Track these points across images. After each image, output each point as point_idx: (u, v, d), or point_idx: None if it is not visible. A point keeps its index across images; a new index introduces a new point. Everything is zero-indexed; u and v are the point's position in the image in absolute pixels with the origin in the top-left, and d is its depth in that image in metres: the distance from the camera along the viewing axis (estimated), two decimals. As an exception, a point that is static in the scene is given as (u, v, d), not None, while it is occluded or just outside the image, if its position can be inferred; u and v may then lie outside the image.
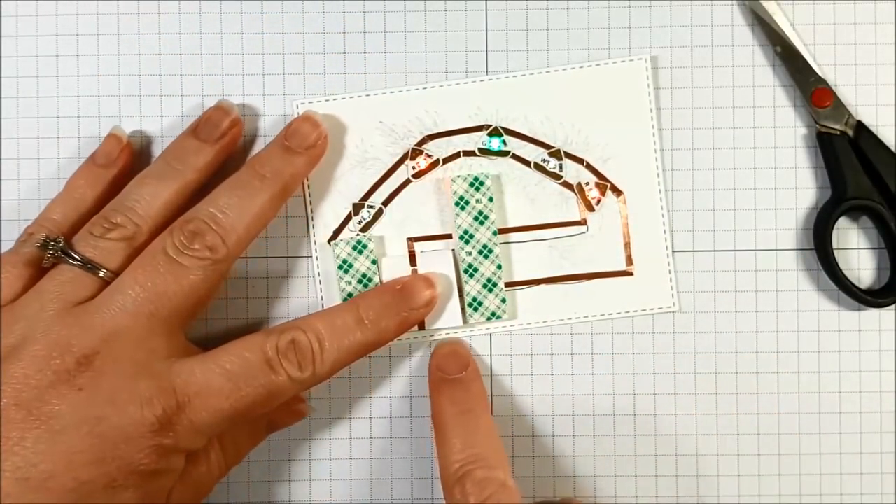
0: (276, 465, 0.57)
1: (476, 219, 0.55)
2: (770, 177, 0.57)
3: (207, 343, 0.51)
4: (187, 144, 0.54)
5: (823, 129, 0.56)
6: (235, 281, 0.57)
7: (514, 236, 0.56)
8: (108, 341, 0.47)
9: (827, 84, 0.56)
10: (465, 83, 0.57)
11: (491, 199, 0.55)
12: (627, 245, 0.56)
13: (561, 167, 0.56)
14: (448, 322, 0.56)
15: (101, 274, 0.49)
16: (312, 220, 0.56)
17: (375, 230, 0.56)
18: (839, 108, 0.56)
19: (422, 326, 0.56)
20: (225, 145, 0.54)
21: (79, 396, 0.45)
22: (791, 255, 0.57)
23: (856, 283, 0.56)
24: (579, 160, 0.56)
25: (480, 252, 0.55)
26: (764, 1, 0.56)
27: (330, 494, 0.57)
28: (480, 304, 0.55)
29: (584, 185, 0.56)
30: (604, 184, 0.56)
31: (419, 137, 0.57)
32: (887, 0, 0.57)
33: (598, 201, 0.56)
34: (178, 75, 0.57)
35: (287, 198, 0.54)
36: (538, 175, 0.56)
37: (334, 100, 0.57)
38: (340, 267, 0.55)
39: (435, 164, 0.57)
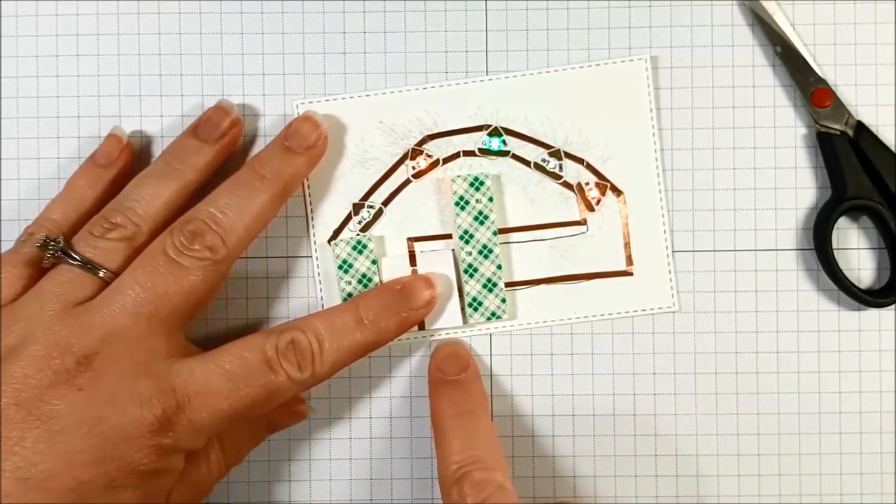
0: (276, 465, 0.57)
1: (476, 219, 0.55)
2: (770, 177, 0.57)
3: (207, 343, 0.51)
4: (187, 144, 0.54)
5: (823, 129, 0.56)
6: (235, 281, 0.57)
7: (514, 236, 0.56)
8: (107, 341, 0.47)
9: (827, 84, 0.56)
10: (465, 83, 0.57)
11: (491, 199, 0.55)
12: (627, 245, 0.56)
13: (561, 167, 0.56)
14: (448, 322, 0.56)
15: (101, 274, 0.49)
16: (312, 220, 0.56)
17: (375, 230, 0.56)
18: (839, 108, 0.56)
19: (422, 326, 0.56)
20: (225, 145, 0.54)
21: (78, 396, 0.45)
22: (791, 255, 0.57)
23: (856, 283, 0.56)
24: (579, 160, 0.56)
25: (480, 252, 0.55)
26: (764, 1, 0.56)
27: (330, 494, 0.57)
28: (480, 304, 0.55)
29: (584, 185, 0.56)
30: (604, 184, 0.56)
31: (419, 137, 0.57)
32: (887, 0, 0.57)
33: (598, 201, 0.56)
34: (178, 75, 0.57)
35: (287, 198, 0.54)
36: (538, 175, 0.56)
37: (334, 100, 0.57)
38: (340, 267, 0.55)
39: (435, 164, 0.57)
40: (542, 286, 0.57)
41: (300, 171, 0.54)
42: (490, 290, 0.55)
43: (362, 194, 0.57)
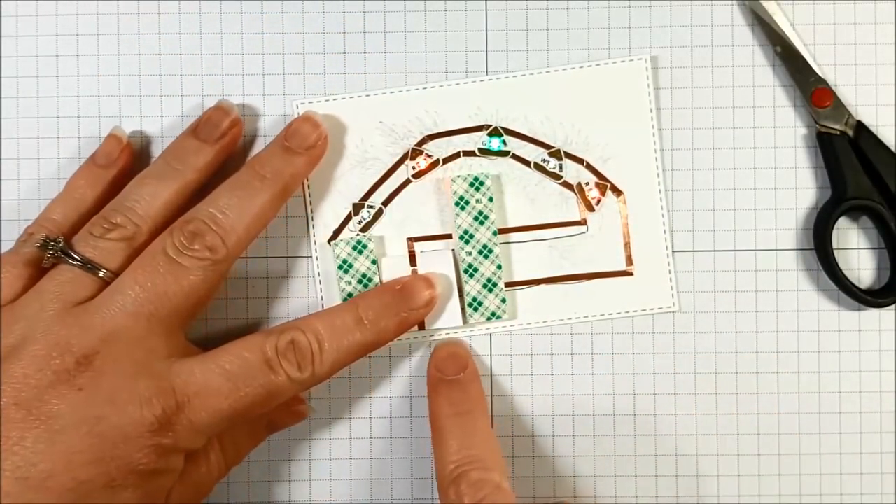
0: (276, 465, 0.57)
1: (476, 219, 0.55)
2: (770, 177, 0.57)
3: (207, 343, 0.51)
4: (187, 144, 0.54)
5: (823, 129, 0.56)
6: (235, 281, 0.57)
7: (514, 236, 0.56)
8: (107, 341, 0.47)
9: (827, 84, 0.56)
10: (465, 83, 0.57)
11: (491, 199, 0.55)
12: (627, 245, 0.56)
13: (561, 167, 0.56)
14: (448, 322, 0.56)
15: (101, 274, 0.49)
16: (312, 220, 0.56)
17: (375, 230, 0.56)
18: (839, 108, 0.56)
19: (422, 326, 0.56)
20: (225, 145, 0.54)
21: (78, 396, 0.45)
22: (791, 255, 0.57)
23: (856, 283, 0.56)
24: (579, 160, 0.56)
25: (480, 252, 0.55)
26: (764, 1, 0.56)
27: (330, 494, 0.57)
28: (480, 304, 0.55)
29: (584, 185, 0.56)
30: (604, 184, 0.56)
31: (419, 137, 0.57)
32: (887, 0, 0.57)
33: (598, 201, 0.56)
34: (178, 75, 0.57)
35: (287, 198, 0.54)
36: (538, 175, 0.56)
37: (334, 100, 0.57)
38: (340, 267, 0.55)
39: (435, 164, 0.57)
40: (542, 286, 0.57)
41: (300, 171, 0.54)
42: (490, 290, 0.55)
43: (362, 194, 0.57)
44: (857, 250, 0.57)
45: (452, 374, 0.54)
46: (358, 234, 0.56)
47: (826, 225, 0.55)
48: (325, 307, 0.56)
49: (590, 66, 0.57)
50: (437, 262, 0.56)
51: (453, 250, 0.56)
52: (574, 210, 0.56)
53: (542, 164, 0.56)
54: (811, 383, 0.56)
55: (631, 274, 0.56)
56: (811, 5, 0.56)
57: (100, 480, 0.45)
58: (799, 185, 0.57)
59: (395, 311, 0.52)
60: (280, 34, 0.57)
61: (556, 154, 0.56)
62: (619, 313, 0.56)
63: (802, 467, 0.56)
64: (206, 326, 0.56)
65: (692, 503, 0.56)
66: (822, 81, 0.56)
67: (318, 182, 0.56)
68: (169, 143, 0.55)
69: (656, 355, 0.56)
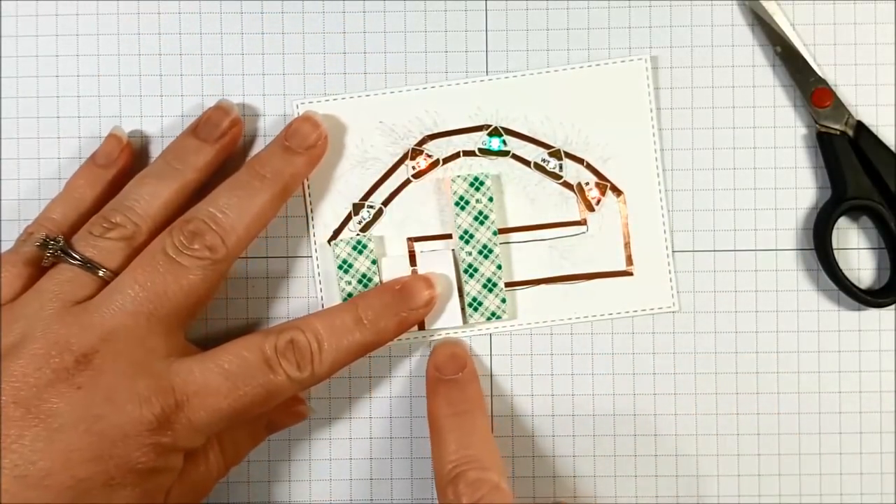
0: (276, 465, 0.57)
1: (476, 219, 0.55)
2: (770, 177, 0.57)
3: (207, 343, 0.51)
4: (187, 144, 0.54)
5: (823, 129, 0.56)
6: (235, 281, 0.57)
7: (514, 236, 0.56)
8: (107, 340, 0.47)
9: (827, 84, 0.56)
10: (465, 83, 0.57)
11: (491, 199, 0.55)
12: (627, 245, 0.56)
13: (561, 167, 0.56)
14: (448, 322, 0.56)
15: (101, 273, 0.49)
16: (312, 220, 0.56)
17: (375, 230, 0.56)
18: (839, 108, 0.56)
19: (422, 326, 0.56)
20: (225, 145, 0.54)
21: (77, 395, 0.46)
22: (791, 255, 0.57)
23: (856, 283, 0.55)
24: (579, 160, 0.56)
25: (480, 252, 0.55)
26: (764, 1, 0.56)
27: (330, 494, 0.57)
28: (480, 304, 0.55)
29: (584, 185, 0.56)
30: (604, 184, 0.56)
31: (419, 137, 0.57)
32: (887, 0, 0.57)
33: (598, 201, 0.56)
34: (178, 75, 0.57)
35: (287, 198, 0.54)
36: (538, 175, 0.56)
37: (334, 100, 0.57)
38: (340, 267, 0.55)
39: (435, 164, 0.57)
40: (542, 286, 0.56)
41: (300, 171, 0.54)
42: (490, 290, 0.55)
43: (362, 194, 0.57)
44: (857, 250, 0.57)
45: (451, 374, 0.54)
46: (358, 234, 0.56)
47: (826, 225, 0.55)
48: (325, 307, 0.56)
49: (590, 66, 0.57)
50: (437, 262, 0.56)
51: (453, 250, 0.56)
52: (574, 210, 0.56)
53: (542, 164, 0.56)
54: (811, 383, 0.56)
55: (631, 274, 0.56)
56: (811, 5, 0.56)
57: (98, 479, 0.45)
58: (799, 185, 0.57)
59: (395, 310, 0.52)
60: (280, 34, 0.57)
61: (556, 154, 0.56)
62: (619, 313, 0.56)
63: (802, 467, 0.56)
64: (206, 326, 0.56)
65: (692, 503, 0.56)
66: (822, 81, 0.56)
67: (318, 182, 0.56)
68: (169, 143, 0.55)
69: (656, 355, 0.56)
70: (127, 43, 0.57)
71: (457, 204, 0.55)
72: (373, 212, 0.56)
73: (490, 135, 0.56)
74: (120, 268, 0.49)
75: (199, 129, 0.54)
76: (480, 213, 0.55)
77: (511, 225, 0.56)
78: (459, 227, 0.55)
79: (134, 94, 0.57)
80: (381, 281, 0.56)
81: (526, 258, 0.56)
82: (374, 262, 0.55)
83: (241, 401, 0.48)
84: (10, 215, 0.57)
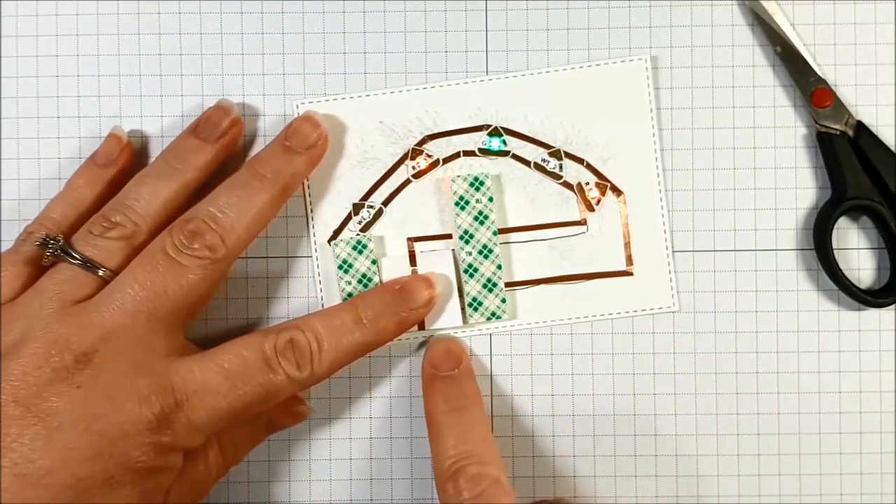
0: (276, 465, 0.57)
1: (476, 219, 0.55)
2: (770, 177, 0.57)
3: (207, 343, 0.51)
4: (187, 143, 0.54)
5: (823, 129, 0.56)
6: (235, 281, 0.57)
7: (514, 236, 0.56)
8: (106, 339, 0.47)
9: (827, 84, 0.56)
10: (465, 83, 0.57)
11: (491, 199, 0.55)
12: (627, 245, 0.56)
13: (561, 167, 0.56)
14: (448, 322, 0.56)
15: (101, 273, 0.49)
16: (312, 220, 0.56)
17: (375, 230, 0.56)
18: (839, 108, 0.56)
19: (422, 326, 0.56)
20: (225, 145, 0.54)
21: (77, 394, 0.46)
22: (791, 255, 0.57)
23: (856, 283, 0.55)
24: (579, 160, 0.56)
25: (480, 252, 0.55)
26: (764, 1, 0.56)
27: (330, 494, 0.57)
28: (480, 304, 0.55)
29: (584, 185, 0.56)
30: (604, 184, 0.56)
31: (419, 137, 0.57)
32: (887, 0, 0.57)
33: (598, 201, 0.56)
34: (178, 75, 0.57)
35: (287, 198, 0.54)
36: (538, 175, 0.56)
37: (334, 100, 0.57)
38: (340, 267, 0.55)
39: (435, 164, 0.57)
40: (542, 286, 0.56)
41: (300, 170, 0.54)
42: (490, 290, 0.55)
43: (362, 194, 0.57)
44: (857, 250, 0.57)
45: (447, 371, 0.54)
46: (358, 234, 0.56)
47: (826, 225, 0.55)
48: (324, 307, 0.56)
49: (590, 66, 0.57)
50: (437, 262, 0.56)
51: (453, 250, 0.56)
52: (574, 210, 0.56)
53: (542, 164, 0.56)
54: (811, 383, 0.56)
55: (631, 274, 0.56)
56: (811, 5, 0.56)
57: (98, 477, 0.45)
58: (799, 185, 0.57)
59: (395, 310, 0.52)
60: (280, 34, 0.57)
61: (556, 154, 0.56)
62: (619, 313, 0.56)
63: (802, 467, 0.56)
64: (206, 326, 0.56)
65: (692, 503, 0.56)
66: (822, 81, 0.56)
67: (318, 182, 0.56)
68: (169, 142, 0.55)
69: (656, 355, 0.56)
70: (127, 43, 0.57)
71: (457, 204, 0.55)
72: (373, 212, 0.56)
73: (490, 135, 0.56)
74: (120, 267, 0.49)
75: (199, 128, 0.54)
76: (480, 213, 0.55)
77: (511, 225, 0.56)
78: (459, 227, 0.55)
79: (134, 94, 0.57)
80: (381, 281, 0.56)
81: (526, 258, 0.56)
82: (374, 262, 0.55)
83: (240, 400, 0.48)
84: (10, 215, 0.57)
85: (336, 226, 0.56)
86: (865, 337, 0.56)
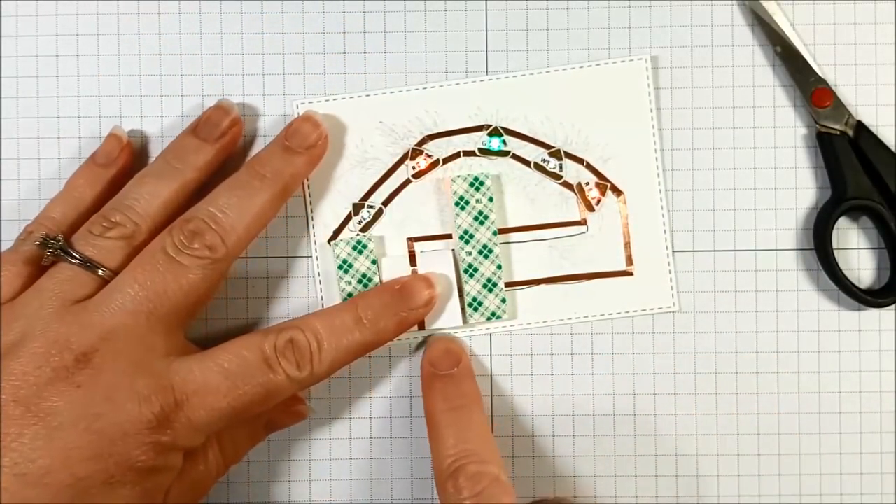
0: (276, 465, 0.57)
1: (476, 219, 0.55)
2: (770, 177, 0.57)
3: (207, 343, 0.51)
4: (187, 143, 0.54)
5: (823, 129, 0.56)
6: (235, 281, 0.57)
7: (514, 236, 0.56)
8: (106, 339, 0.47)
9: (827, 84, 0.56)
10: (465, 83, 0.57)
11: (491, 199, 0.55)
12: (627, 245, 0.56)
13: (561, 167, 0.56)
14: (448, 322, 0.56)
15: (101, 272, 0.49)
16: (312, 220, 0.56)
17: (375, 230, 0.56)
18: (839, 108, 0.56)
19: (422, 326, 0.56)
20: (225, 144, 0.54)
21: (77, 393, 0.46)
22: (791, 255, 0.57)
23: (856, 283, 0.55)
24: (579, 160, 0.56)
25: (480, 252, 0.55)
26: (764, 1, 0.56)
27: (330, 494, 0.57)
28: (480, 304, 0.55)
29: (584, 185, 0.56)
30: (604, 184, 0.56)
31: (419, 137, 0.57)
32: (887, 0, 0.57)
33: (598, 201, 0.56)
34: (178, 75, 0.57)
35: (287, 198, 0.54)
36: (538, 175, 0.56)
37: (334, 100, 0.57)
38: (340, 267, 0.55)
39: (435, 164, 0.57)
40: (542, 286, 0.56)
41: (300, 170, 0.54)
42: (490, 290, 0.55)
43: (362, 194, 0.57)
44: (857, 250, 0.57)
45: (446, 370, 0.54)
46: (358, 234, 0.56)
47: (826, 225, 0.55)
48: (324, 307, 0.56)
49: (590, 66, 0.57)
50: (437, 262, 0.56)
51: (453, 250, 0.56)
52: (574, 210, 0.56)
53: (542, 164, 0.56)
54: (811, 383, 0.56)
55: (631, 274, 0.56)
56: (811, 5, 0.56)
57: (98, 477, 0.45)
58: (799, 185, 0.57)
59: (395, 310, 0.52)
60: (280, 34, 0.57)
61: (556, 154, 0.56)
62: (619, 313, 0.56)
63: (802, 467, 0.56)
64: (206, 326, 0.56)
65: (692, 503, 0.56)
66: (822, 81, 0.56)
67: (318, 182, 0.56)
68: (169, 142, 0.55)
69: (656, 355, 0.56)
70: (127, 43, 0.57)
71: (457, 204, 0.55)
72: (373, 212, 0.56)
73: (490, 135, 0.56)
74: (120, 267, 0.49)
75: (200, 128, 0.54)
76: (480, 213, 0.55)
77: (511, 225, 0.56)
78: (459, 227, 0.55)
79: (134, 94, 0.57)
80: (381, 281, 0.56)
81: (526, 258, 0.56)
82: (374, 262, 0.55)
83: (240, 400, 0.48)
84: (10, 215, 0.57)
85: (336, 226, 0.56)
86: (865, 337, 0.56)
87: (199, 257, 0.49)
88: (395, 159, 0.57)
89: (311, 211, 0.56)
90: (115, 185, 0.53)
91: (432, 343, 0.56)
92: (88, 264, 0.49)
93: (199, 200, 0.51)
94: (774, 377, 0.56)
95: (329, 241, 0.56)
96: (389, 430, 0.57)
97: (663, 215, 0.56)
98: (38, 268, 0.50)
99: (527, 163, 0.56)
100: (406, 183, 0.56)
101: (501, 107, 0.57)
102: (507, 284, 0.56)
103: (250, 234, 0.52)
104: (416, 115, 0.57)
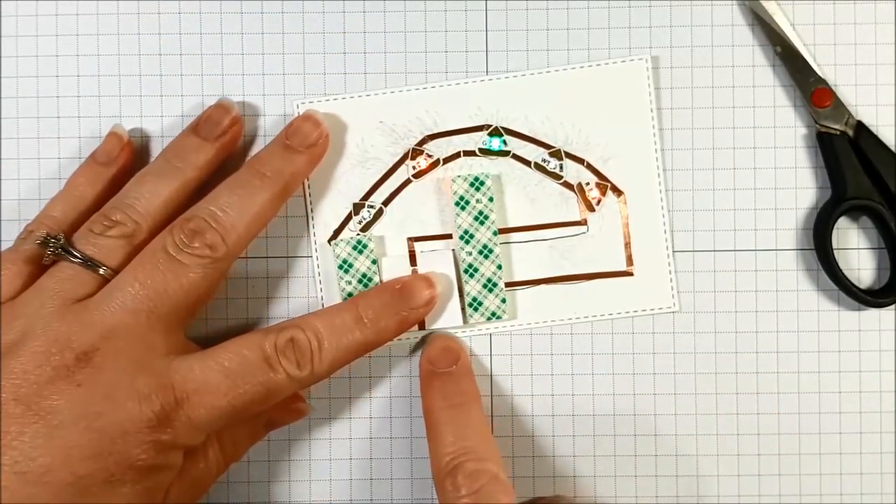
0: (276, 465, 0.57)
1: (476, 219, 0.55)
2: (770, 177, 0.57)
3: (207, 342, 0.51)
4: (187, 142, 0.54)
5: (823, 129, 0.56)
6: (235, 281, 0.57)
7: (514, 236, 0.56)
8: (107, 338, 0.47)
9: (827, 84, 0.56)
10: (465, 83, 0.57)
11: (491, 199, 0.55)
12: (627, 245, 0.56)
13: (561, 167, 0.56)
14: (448, 322, 0.56)
15: (101, 271, 0.49)
16: (312, 219, 0.56)
17: (375, 230, 0.56)
18: (839, 108, 0.56)
19: (422, 326, 0.56)
20: (225, 144, 0.54)
21: (77, 392, 0.45)
22: (791, 255, 0.57)
23: (856, 283, 0.55)
24: (580, 160, 0.56)
25: (480, 252, 0.55)
26: (764, 1, 0.56)
27: (330, 494, 0.57)
28: (480, 304, 0.55)
29: (584, 185, 0.56)
30: (604, 184, 0.56)
31: (419, 137, 0.57)
32: (887, 0, 0.57)
33: (599, 201, 0.56)
34: (178, 75, 0.57)
35: (288, 197, 0.54)
36: (538, 175, 0.57)
37: (334, 100, 0.57)
38: (340, 267, 0.55)
39: (435, 164, 0.57)
40: (542, 286, 0.56)
41: (301, 170, 0.54)
42: (490, 290, 0.55)
43: (362, 194, 0.57)
44: (857, 250, 0.57)
45: (445, 368, 0.54)
46: (358, 234, 0.56)
47: (826, 225, 0.55)
48: (325, 307, 0.56)
49: (590, 66, 0.57)
50: (437, 261, 0.56)
51: (453, 250, 0.56)
52: (574, 210, 0.56)
53: (542, 164, 0.56)
54: (811, 383, 0.56)
55: (631, 274, 0.56)
56: (811, 5, 0.57)
57: (98, 475, 0.45)
58: (799, 185, 0.57)
59: (395, 310, 0.52)
60: (280, 34, 0.57)
61: (556, 154, 0.56)
62: (619, 313, 0.56)
63: (802, 467, 0.56)
64: (206, 326, 0.56)
65: (692, 503, 0.56)
66: (822, 81, 0.56)
67: (318, 182, 0.56)
68: (169, 142, 0.55)
69: (656, 355, 0.56)
70: (127, 43, 0.57)
71: (457, 204, 0.55)
72: (373, 212, 0.56)
73: (490, 135, 0.56)
74: (120, 266, 0.49)
75: (200, 127, 0.54)
76: (480, 213, 0.55)
77: (511, 225, 0.56)
78: (459, 227, 0.55)
79: (134, 94, 0.57)
80: (381, 281, 0.56)
81: (526, 258, 0.56)
82: (374, 261, 0.55)
83: (240, 399, 0.48)
84: (10, 215, 0.57)
85: (336, 225, 0.56)
86: (865, 337, 0.56)
87: (200, 256, 0.49)
88: (396, 159, 0.57)
89: (312, 211, 0.56)
90: (115, 184, 0.53)
91: (431, 341, 0.56)
92: (89, 263, 0.49)
93: (199, 199, 0.51)
94: (774, 377, 0.56)
95: (329, 241, 0.56)
96: (389, 430, 0.57)
97: (663, 215, 0.56)
98: (38, 267, 0.50)
99: (527, 163, 0.56)
100: (406, 183, 0.57)
101: (502, 107, 0.57)
102: (508, 284, 0.56)
103: (251, 233, 0.52)
104: (417, 115, 0.57)
